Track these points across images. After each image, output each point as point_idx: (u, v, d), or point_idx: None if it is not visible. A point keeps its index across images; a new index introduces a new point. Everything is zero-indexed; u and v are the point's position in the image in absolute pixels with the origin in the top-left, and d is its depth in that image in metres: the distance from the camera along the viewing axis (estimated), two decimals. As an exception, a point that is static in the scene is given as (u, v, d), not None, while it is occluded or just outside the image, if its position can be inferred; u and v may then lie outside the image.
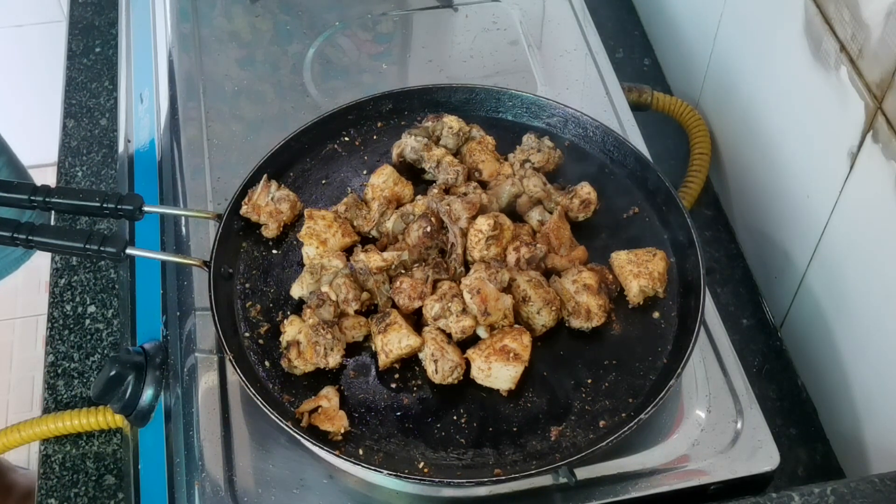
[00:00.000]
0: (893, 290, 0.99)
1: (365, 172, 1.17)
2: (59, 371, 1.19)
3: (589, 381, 0.99)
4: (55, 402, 1.16)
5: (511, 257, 1.04)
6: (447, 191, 1.11)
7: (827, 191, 1.09)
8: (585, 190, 1.10)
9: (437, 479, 0.91)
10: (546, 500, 0.95)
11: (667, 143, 1.41)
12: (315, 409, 0.95)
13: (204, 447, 0.98)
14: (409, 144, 1.16)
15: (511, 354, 0.95)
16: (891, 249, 0.99)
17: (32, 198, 1.05)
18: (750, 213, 1.30)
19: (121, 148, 1.35)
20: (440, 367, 0.96)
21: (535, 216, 1.09)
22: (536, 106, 1.20)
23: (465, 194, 1.08)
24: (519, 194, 1.11)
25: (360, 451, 0.93)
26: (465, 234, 1.05)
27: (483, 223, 1.03)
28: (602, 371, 1.00)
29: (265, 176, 1.11)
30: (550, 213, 1.10)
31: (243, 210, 1.10)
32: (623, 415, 0.96)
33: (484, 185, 1.13)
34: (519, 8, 1.43)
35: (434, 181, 1.14)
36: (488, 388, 0.98)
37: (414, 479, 0.91)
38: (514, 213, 1.11)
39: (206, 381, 1.03)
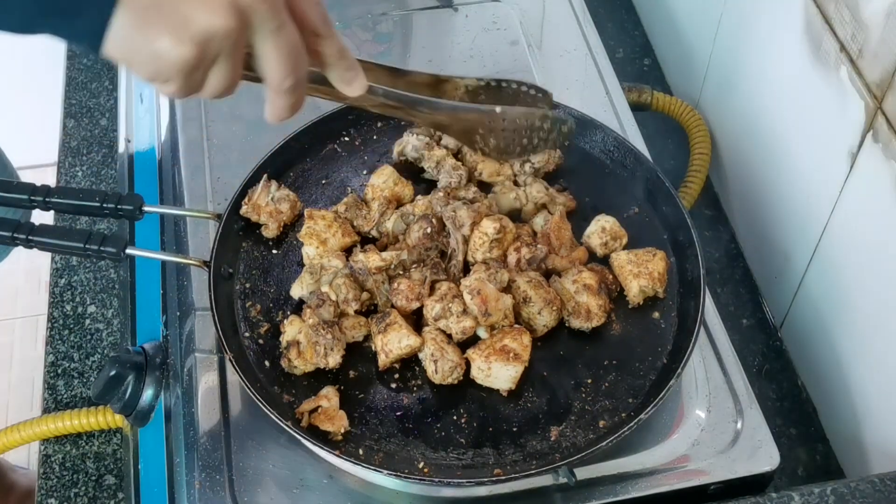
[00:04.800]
0: (893, 291, 0.99)
1: (365, 172, 1.17)
2: (59, 371, 1.19)
3: (589, 381, 0.99)
4: (55, 402, 1.16)
5: (511, 258, 1.04)
6: (450, 194, 1.11)
7: (827, 191, 1.09)
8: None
9: (437, 479, 0.91)
10: (546, 500, 0.95)
11: (667, 143, 1.41)
12: (315, 409, 0.95)
13: (204, 447, 0.98)
14: (410, 143, 1.16)
15: (511, 354, 0.95)
16: (891, 249, 0.99)
17: (32, 198, 1.05)
18: (750, 213, 1.30)
19: (121, 148, 1.35)
20: (440, 367, 0.96)
21: (539, 221, 1.09)
22: (536, 106, 1.20)
23: (472, 201, 1.07)
24: (521, 208, 1.10)
25: (360, 451, 0.93)
26: (466, 241, 1.04)
27: (489, 226, 1.03)
28: (602, 371, 1.00)
29: (265, 176, 1.11)
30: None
31: (243, 210, 1.10)
32: (623, 415, 0.96)
33: (484, 185, 1.13)
34: (519, 8, 1.43)
35: (433, 181, 1.14)
36: (488, 388, 0.98)
37: (414, 479, 0.91)
38: (515, 215, 1.11)
39: (206, 381, 1.03)
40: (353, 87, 0.83)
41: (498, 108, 0.96)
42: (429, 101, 0.94)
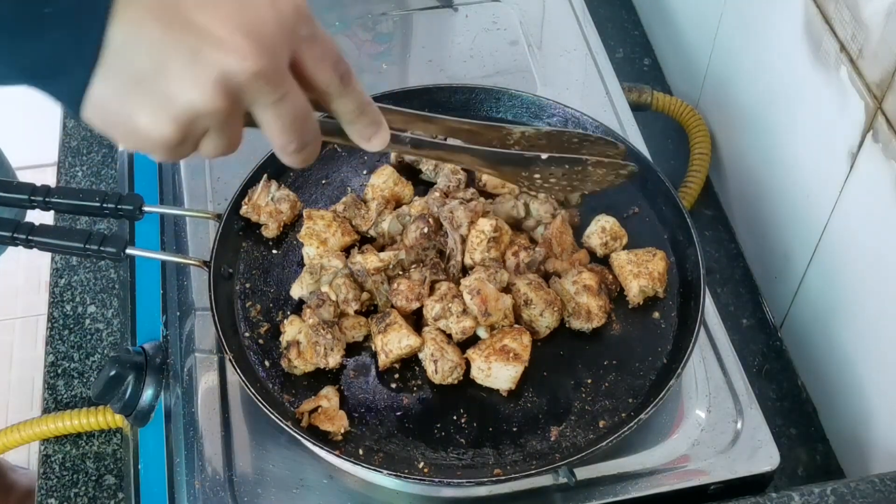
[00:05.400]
0: (893, 290, 0.99)
1: (365, 172, 1.17)
2: (59, 371, 1.19)
3: (589, 381, 0.99)
4: (55, 402, 1.16)
5: (510, 262, 1.04)
6: (446, 195, 1.11)
7: (827, 191, 1.09)
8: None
9: (437, 479, 0.91)
10: (546, 500, 0.95)
11: (667, 143, 1.41)
12: (315, 409, 0.95)
13: (204, 447, 0.98)
14: (408, 145, 1.15)
15: (511, 354, 0.96)
16: (891, 249, 0.99)
17: (32, 198, 1.05)
18: (750, 213, 1.30)
19: (121, 148, 1.35)
20: (440, 367, 0.96)
21: (539, 231, 1.09)
22: (536, 106, 1.20)
23: (469, 200, 1.07)
24: (518, 218, 1.10)
25: (360, 451, 0.93)
26: (464, 240, 1.04)
27: (486, 224, 1.03)
28: (602, 371, 1.00)
29: (265, 176, 1.11)
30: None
31: (243, 210, 1.10)
32: (623, 415, 0.96)
33: (486, 194, 1.12)
34: (519, 8, 1.43)
35: (432, 183, 1.14)
36: (488, 388, 0.98)
37: (414, 479, 0.91)
38: (513, 224, 1.10)
39: (206, 381, 1.03)
40: (373, 143, 0.77)
41: (544, 155, 0.89)
42: (462, 148, 0.89)
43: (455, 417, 0.97)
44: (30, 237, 1.01)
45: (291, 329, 0.99)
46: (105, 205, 1.06)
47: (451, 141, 0.92)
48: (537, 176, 0.92)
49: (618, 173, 0.94)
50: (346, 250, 1.07)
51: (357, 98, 0.74)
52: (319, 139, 0.73)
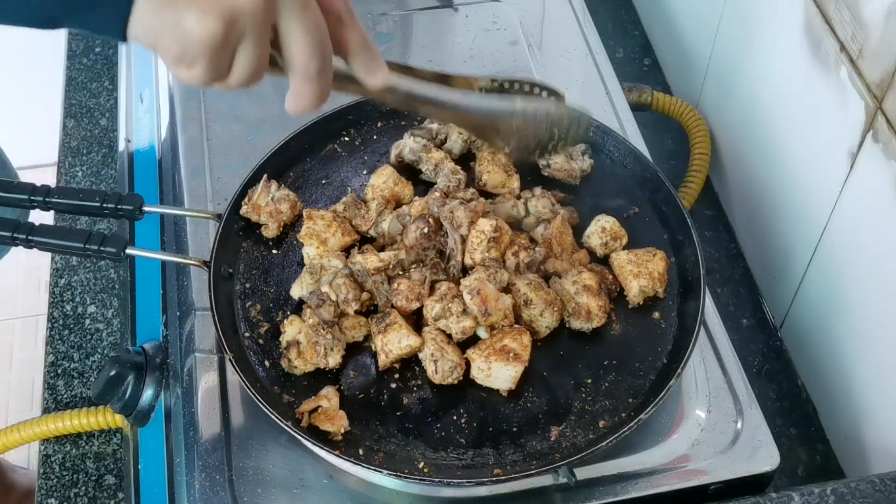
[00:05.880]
0: (893, 290, 0.99)
1: (365, 172, 1.17)
2: (59, 371, 1.19)
3: (589, 381, 0.99)
4: (55, 402, 1.16)
5: (510, 262, 1.04)
6: (446, 195, 1.11)
7: (827, 191, 1.09)
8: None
9: (437, 479, 0.91)
10: (546, 500, 0.95)
11: (667, 143, 1.41)
12: (315, 409, 0.95)
13: (204, 447, 0.98)
14: (407, 145, 1.16)
15: (511, 354, 0.96)
16: (891, 249, 0.99)
17: (32, 198, 1.05)
18: (750, 213, 1.30)
19: (121, 148, 1.35)
20: (440, 367, 0.96)
21: (539, 230, 1.09)
22: (536, 106, 1.20)
23: (469, 200, 1.07)
24: (518, 218, 1.10)
25: (360, 451, 0.93)
26: (464, 241, 1.04)
27: (486, 224, 1.03)
28: (602, 371, 1.00)
29: (265, 176, 1.11)
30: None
31: (243, 210, 1.10)
32: (623, 415, 0.96)
33: (486, 194, 1.12)
34: (519, 8, 1.43)
35: (432, 183, 1.14)
36: (488, 388, 0.98)
37: (414, 479, 0.91)
38: (513, 224, 1.10)
39: (206, 381, 1.03)
40: (377, 77, 0.82)
41: (519, 103, 0.94)
42: (451, 102, 0.92)
43: (455, 417, 0.97)
44: (30, 237, 1.01)
45: (291, 329, 0.99)
46: (105, 205, 1.06)
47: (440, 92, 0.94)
48: (513, 130, 0.95)
49: (578, 123, 0.97)
50: (346, 250, 1.07)
51: (361, 30, 0.79)
52: (332, 72, 0.76)
